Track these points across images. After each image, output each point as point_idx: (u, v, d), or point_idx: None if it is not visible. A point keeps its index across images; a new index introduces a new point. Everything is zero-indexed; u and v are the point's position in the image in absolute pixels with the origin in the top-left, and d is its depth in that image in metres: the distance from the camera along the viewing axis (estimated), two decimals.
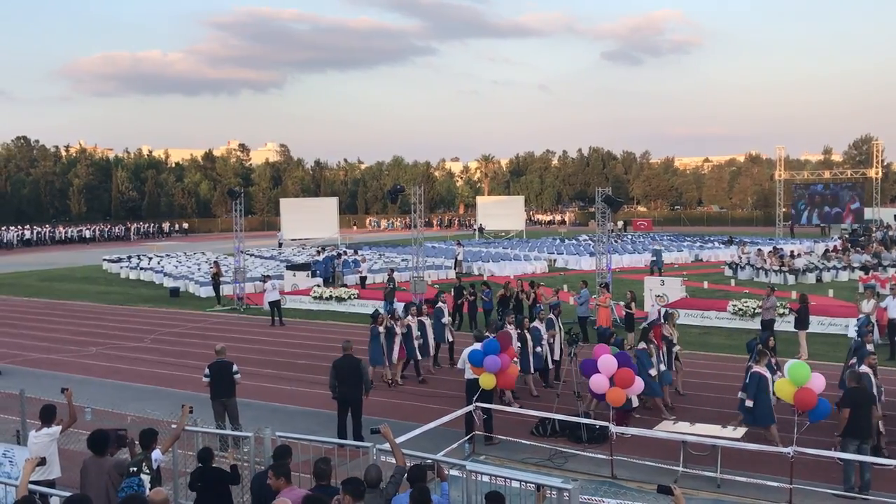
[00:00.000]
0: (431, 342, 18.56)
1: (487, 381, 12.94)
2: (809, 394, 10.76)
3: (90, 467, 8.12)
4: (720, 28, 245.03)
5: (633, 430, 12.31)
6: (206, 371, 13.17)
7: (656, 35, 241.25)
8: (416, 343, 17.85)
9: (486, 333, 15.13)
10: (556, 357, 17.38)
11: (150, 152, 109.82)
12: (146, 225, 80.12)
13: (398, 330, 17.59)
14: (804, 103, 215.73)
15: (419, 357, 18.04)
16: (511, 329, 16.06)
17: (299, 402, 16.27)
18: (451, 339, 19.56)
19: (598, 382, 12.14)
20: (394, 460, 7.98)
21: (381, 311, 20.02)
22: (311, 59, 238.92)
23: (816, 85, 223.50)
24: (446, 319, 19.73)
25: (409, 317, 18.22)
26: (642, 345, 14.70)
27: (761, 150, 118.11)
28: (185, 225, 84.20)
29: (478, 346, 13.52)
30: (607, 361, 12.15)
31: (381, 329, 17.24)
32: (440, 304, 19.90)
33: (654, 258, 37.70)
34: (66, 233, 72.47)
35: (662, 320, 16.87)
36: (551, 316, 17.67)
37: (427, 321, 18.51)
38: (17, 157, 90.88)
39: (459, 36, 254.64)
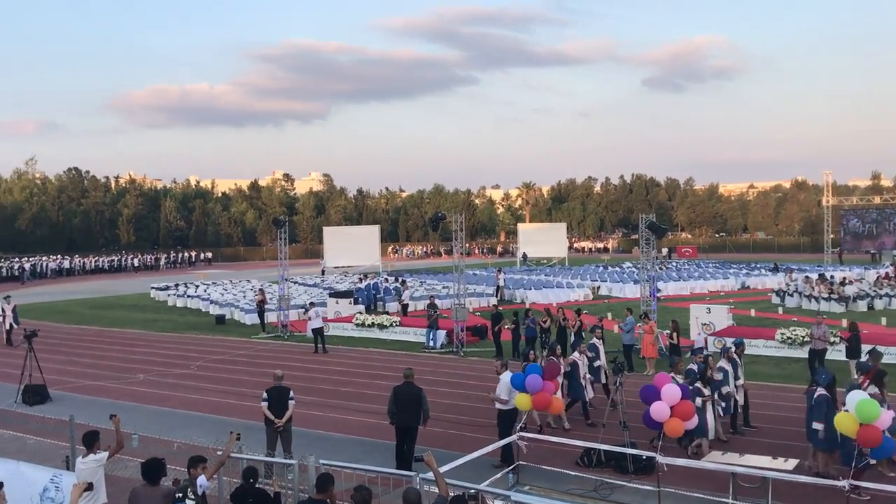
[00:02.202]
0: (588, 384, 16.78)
1: (523, 402, 12.84)
2: (874, 431, 10.42)
3: (141, 496, 8.18)
4: (764, 53, 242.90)
5: (681, 460, 12.04)
6: (265, 395, 13.25)
7: (698, 61, 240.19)
8: (583, 381, 16.35)
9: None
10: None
11: (198, 182, 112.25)
12: (174, 254, 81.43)
13: (563, 368, 16.03)
14: (852, 128, 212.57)
15: (588, 396, 16.57)
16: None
17: (343, 430, 16.26)
18: (604, 381, 17.64)
19: (659, 411, 11.91)
20: (437, 489, 7.92)
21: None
22: (354, 90, 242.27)
23: (864, 109, 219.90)
24: (601, 362, 17.71)
25: (576, 353, 16.99)
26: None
27: (808, 175, 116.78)
28: (210, 255, 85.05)
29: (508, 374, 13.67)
30: (671, 391, 11.93)
31: (564, 367, 15.88)
32: (595, 340, 18.25)
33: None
34: (95, 262, 73.25)
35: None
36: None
37: (583, 361, 16.87)
38: (69, 187, 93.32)
39: (501, 65, 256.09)
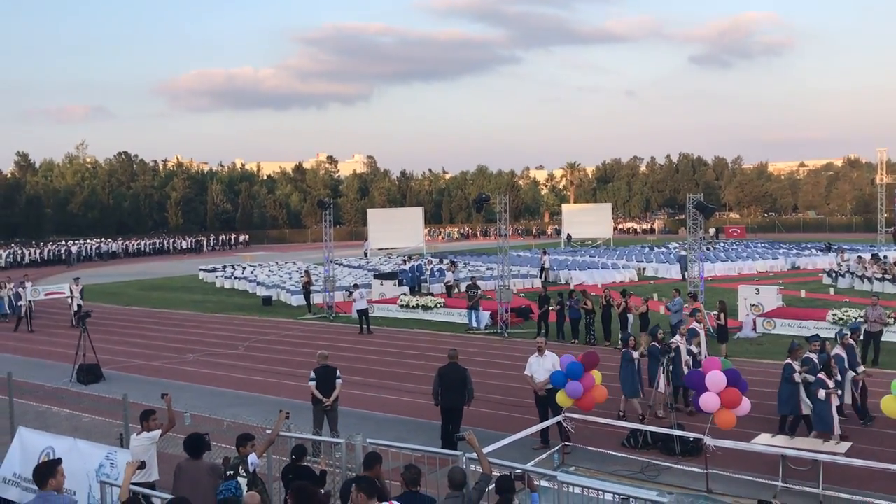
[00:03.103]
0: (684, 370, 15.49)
1: (564, 400, 12.83)
2: None
3: (186, 470, 8.34)
4: (813, 28, 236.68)
5: (729, 442, 11.88)
6: (312, 375, 13.39)
7: (746, 37, 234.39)
8: (685, 368, 15.17)
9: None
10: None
11: (243, 165, 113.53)
12: (215, 237, 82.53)
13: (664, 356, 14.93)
14: None
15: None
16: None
17: (388, 410, 16.39)
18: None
19: (708, 401, 11.72)
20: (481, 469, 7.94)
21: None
22: (397, 71, 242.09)
23: None
24: (700, 349, 16.54)
25: (679, 337, 15.91)
26: None
27: (861, 153, 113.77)
28: (247, 237, 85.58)
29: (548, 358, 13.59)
30: (716, 378, 11.73)
31: (637, 354, 15.06)
32: (695, 323, 17.16)
33: None
34: (138, 245, 74.37)
35: None
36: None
37: (684, 345, 15.79)
38: (119, 171, 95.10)
39: (544, 44, 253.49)
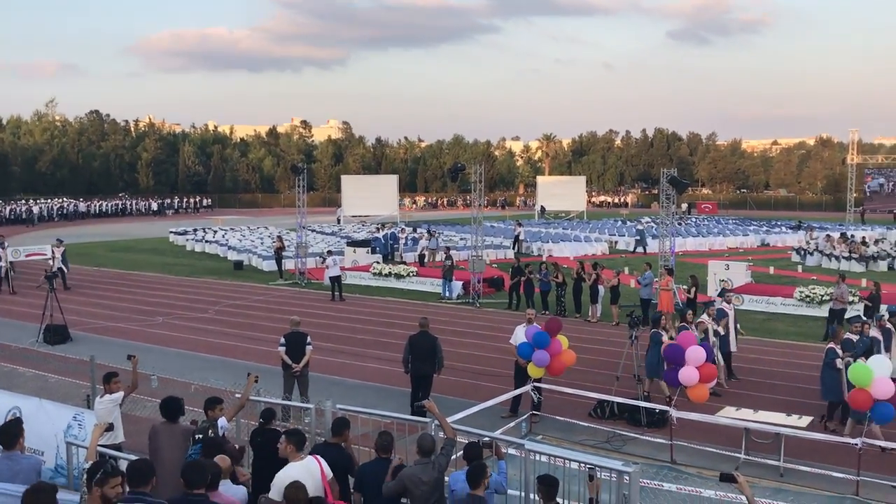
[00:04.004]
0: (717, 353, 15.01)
1: (535, 371, 12.93)
2: (863, 396, 10.72)
3: (161, 432, 8.30)
4: (792, 7, 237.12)
5: (694, 415, 12.06)
6: (282, 340, 13.37)
7: (724, 14, 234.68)
8: (714, 349, 14.46)
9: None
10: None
11: (216, 128, 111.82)
12: (177, 200, 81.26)
13: (696, 334, 14.20)
14: (879, 85, 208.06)
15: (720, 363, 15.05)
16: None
17: (358, 376, 16.43)
18: (733, 349, 16.31)
19: (687, 375, 11.84)
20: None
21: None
22: (375, 37, 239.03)
23: (892, 66, 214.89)
24: (728, 329, 16.09)
25: (706, 317, 15.50)
26: None
27: (833, 133, 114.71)
28: (209, 201, 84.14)
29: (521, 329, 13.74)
30: (696, 352, 11.86)
31: (666, 336, 14.41)
32: (724, 304, 16.82)
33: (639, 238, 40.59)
34: (99, 206, 73.36)
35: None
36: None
37: (712, 325, 15.31)
38: (89, 130, 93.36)
39: (523, 14, 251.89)
